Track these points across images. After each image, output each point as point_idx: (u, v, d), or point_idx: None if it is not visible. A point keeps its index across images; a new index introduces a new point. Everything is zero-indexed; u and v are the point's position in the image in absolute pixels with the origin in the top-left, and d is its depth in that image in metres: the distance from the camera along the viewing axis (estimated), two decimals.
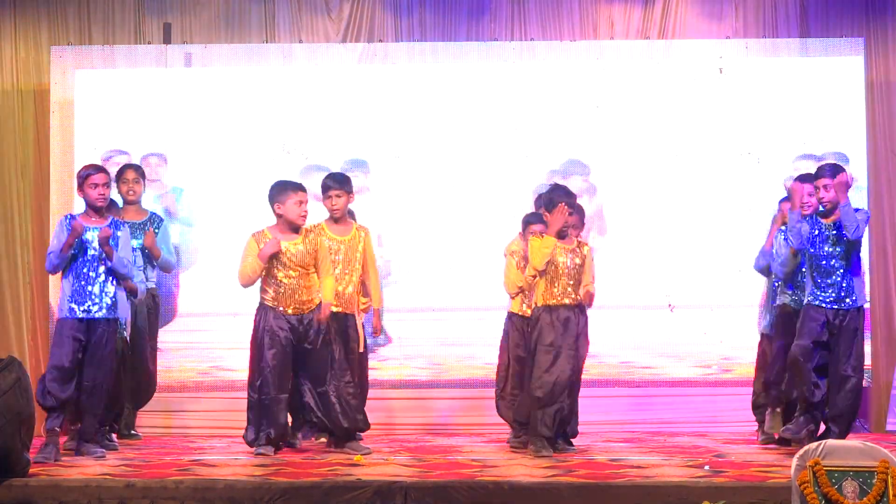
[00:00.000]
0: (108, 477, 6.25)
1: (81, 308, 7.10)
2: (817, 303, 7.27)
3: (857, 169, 9.41)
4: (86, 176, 7.16)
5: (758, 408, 8.09)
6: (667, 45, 9.62)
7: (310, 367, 7.40)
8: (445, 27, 9.77)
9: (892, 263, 9.63)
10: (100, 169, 7.30)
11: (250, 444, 7.38)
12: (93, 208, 7.18)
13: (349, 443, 7.38)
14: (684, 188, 9.42)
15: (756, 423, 8.16)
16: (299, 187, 7.44)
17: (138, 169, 8.35)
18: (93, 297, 7.11)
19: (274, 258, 7.32)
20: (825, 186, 7.23)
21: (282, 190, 7.41)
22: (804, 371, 7.23)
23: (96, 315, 7.12)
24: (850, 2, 9.73)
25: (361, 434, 7.51)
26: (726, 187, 9.38)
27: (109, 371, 7.21)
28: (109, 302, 7.15)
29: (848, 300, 7.25)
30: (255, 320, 7.47)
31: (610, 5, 9.78)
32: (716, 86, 9.47)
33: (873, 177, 9.55)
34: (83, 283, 7.11)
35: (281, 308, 7.35)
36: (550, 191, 7.62)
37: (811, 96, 9.44)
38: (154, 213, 8.31)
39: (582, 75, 9.53)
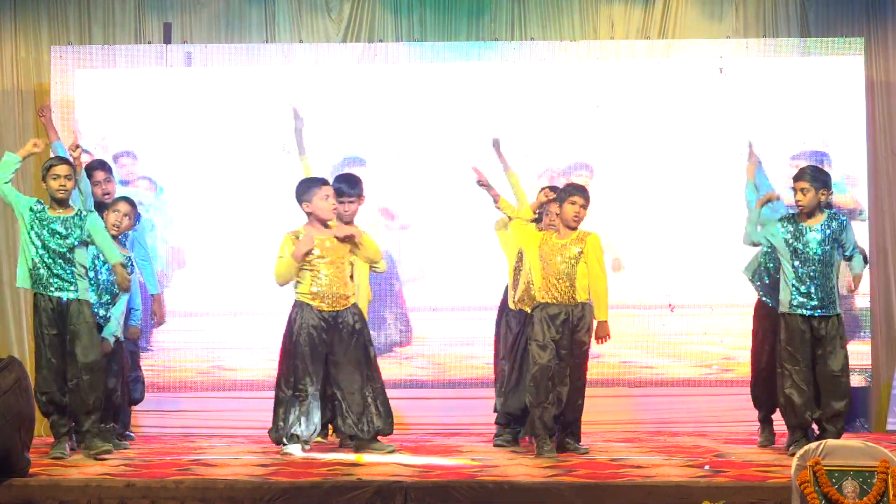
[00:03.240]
0: (108, 477, 6.25)
1: (50, 290, 7.09)
2: (801, 311, 7.25)
3: (858, 169, 9.42)
4: (47, 167, 7.17)
5: (758, 403, 8.08)
6: (667, 45, 9.62)
7: (343, 367, 7.38)
8: (445, 27, 9.78)
9: (892, 263, 9.64)
10: (63, 160, 7.28)
11: (277, 442, 7.38)
12: (55, 200, 7.18)
13: (374, 443, 7.39)
14: (684, 188, 9.42)
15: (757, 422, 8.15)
16: (324, 182, 7.49)
17: (105, 165, 8.31)
18: (59, 281, 7.08)
19: (309, 254, 7.31)
20: (803, 190, 7.24)
21: (308, 188, 7.43)
22: (800, 402, 7.26)
23: (67, 296, 7.09)
24: (850, 2, 9.73)
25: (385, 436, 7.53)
26: (726, 187, 9.37)
27: (94, 367, 7.13)
28: (79, 286, 7.12)
29: (830, 307, 7.24)
30: (290, 317, 7.44)
31: (610, 5, 9.78)
32: (716, 86, 9.47)
33: (873, 177, 9.55)
34: (49, 271, 7.08)
35: (317, 303, 7.33)
36: (565, 185, 7.66)
37: (811, 96, 9.44)
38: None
39: (582, 75, 9.53)
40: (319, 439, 7.89)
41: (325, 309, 7.33)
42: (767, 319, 7.81)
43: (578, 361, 7.46)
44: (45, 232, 7.10)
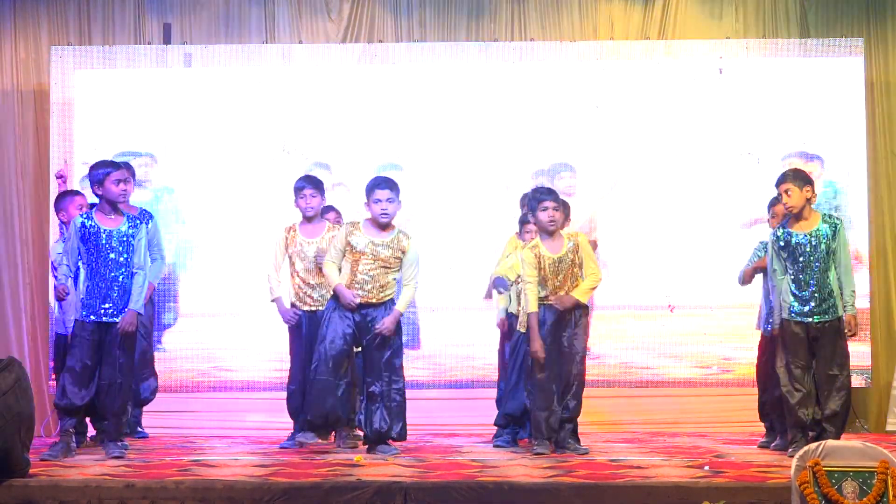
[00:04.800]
0: (108, 477, 6.25)
1: (96, 310, 7.08)
2: (798, 319, 7.25)
3: (858, 169, 9.42)
4: (107, 173, 7.11)
5: (766, 415, 8.06)
6: (667, 45, 9.63)
7: (365, 364, 7.41)
8: (445, 27, 9.78)
9: (892, 263, 9.64)
10: (119, 165, 7.29)
11: (300, 429, 7.45)
12: (112, 205, 7.16)
13: (380, 446, 7.37)
14: (684, 188, 9.42)
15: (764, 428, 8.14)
16: (381, 185, 7.36)
17: (129, 168, 8.34)
18: (110, 300, 7.09)
19: (354, 252, 7.30)
20: (787, 191, 7.23)
21: (371, 188, 7.38)
22: (800, 402, 7.27)
23: (114, 318, 7.11)
24: (850, 2, 9.74)
25: (394, 441, 7.48)
26: (726, 187, 9.38)
27: (127, 369, 7.18)
28: (122, 305, 7.12)
29: (830, 312, 7.23)
30: (325, 308, 7.46)
31: (610, 5, 9.79)
32: (716, 86, 9.47)
33: (873, 177, 9.55)
34: (100, 285, 7.09)
35: (355, 291, 7.31)
36: (532, 192, 7.64)
37: (811, 96, 9.44)
38: (144, 210, 8.29)
39: (582, 75, 9.53)
40: (318, 440, 7.89)
41: (360, 300, 7.31)
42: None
43: (580, 359, 7.46)
44: (94, 244, 7.08)
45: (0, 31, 9.75)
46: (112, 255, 7.10)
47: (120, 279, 7.11)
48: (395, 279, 7.43)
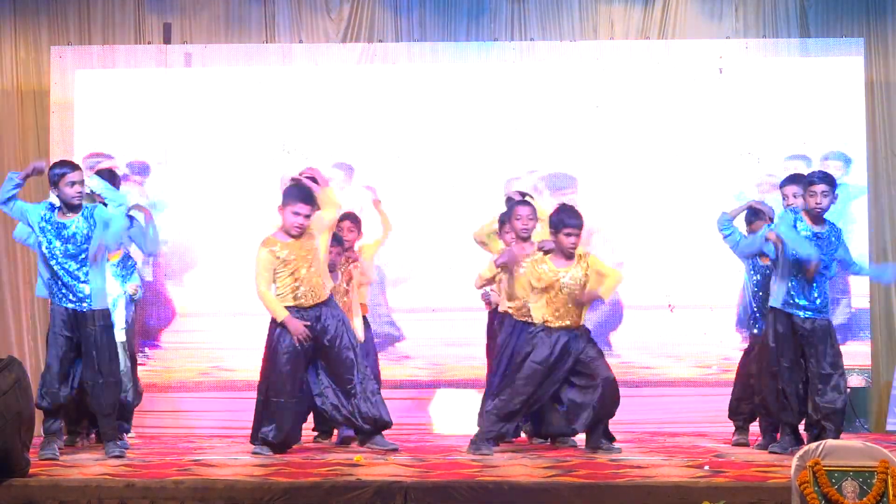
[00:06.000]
0: (108, 477, 6.25)
1: (67, 298, 7.03)
2: (791, 311, 7.25)
3: (858, 169, 9.43)
4: (62, 174, 6.97)
5: (739, 413, 8.10)
6: (667, 45, 9.64)
7: (333, 365, 7.38)
8: (445, 27, 9.79)
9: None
10: (75, 166, 7.15)
11: (252, 442, 7.41)
12: (69, 206, 7.02)
13: (375, 438, 7.39)
14: (684, 188, 9.43)
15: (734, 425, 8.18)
16: (300, 198, 7.29)
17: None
18: (74, 294, 7.03)
19: (282, 265, 7.29)
20: (823, 192, 7.21)
21: (286, 196, 7.33)
22: (792, 399, 7.25)
23: (83, 308, 7.05)
24: (850, 2, 9.74)
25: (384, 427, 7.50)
26: (726, 187, 9.39)
27: (107, 369, 7.11)
28: (90, 294, 7.04)
29: (823, 311, 7.25)
30: (271, 323, 7.40)
31: (610, 5, 9.79)
32: (716, 86, 9.48)
33: (873, 177, 9.56)
34: (64, 279, 7.00)
35: (299, 302, 7.30)
36: (556, 212, 7.46)
37: (811, 96, 9.46)
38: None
39: (582, 75, 9.54)
40: (320, 440, 7.91)
41: (308, 305, 7.32)
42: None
43: (600, 382, 7.35)
44: (55, 237, 7.04)
45: (0, 31, 9.76)
46: (72, 249, 7.01)
47: (81, 276, 7.03)
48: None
